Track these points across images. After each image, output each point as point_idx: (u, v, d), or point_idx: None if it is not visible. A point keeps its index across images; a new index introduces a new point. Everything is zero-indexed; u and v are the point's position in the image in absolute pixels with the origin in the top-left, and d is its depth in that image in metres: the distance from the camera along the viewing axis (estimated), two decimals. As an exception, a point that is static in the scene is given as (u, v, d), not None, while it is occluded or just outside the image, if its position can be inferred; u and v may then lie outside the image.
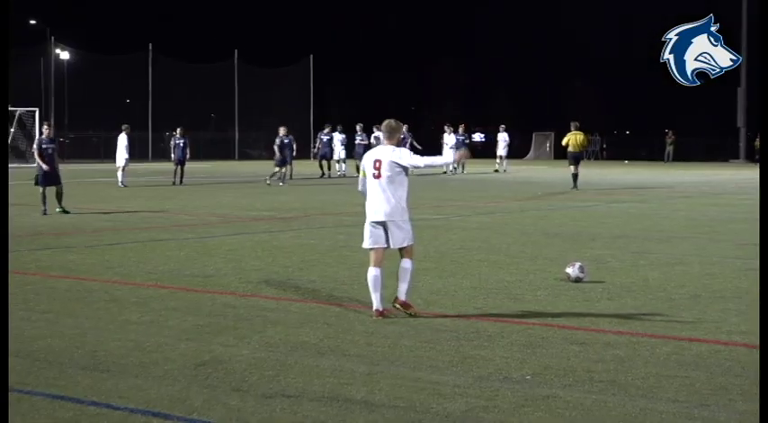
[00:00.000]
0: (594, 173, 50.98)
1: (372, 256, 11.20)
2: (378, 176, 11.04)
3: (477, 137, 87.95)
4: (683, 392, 7.95)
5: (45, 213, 23.85)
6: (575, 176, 35.81)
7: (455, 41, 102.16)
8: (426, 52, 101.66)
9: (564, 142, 37.71)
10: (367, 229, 11.29)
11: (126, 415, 7.26)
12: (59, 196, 24.75)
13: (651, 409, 7.48)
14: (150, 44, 71.62)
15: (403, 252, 11.12)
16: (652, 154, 76.68)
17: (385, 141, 11.28)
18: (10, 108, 63.70)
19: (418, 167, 11.16)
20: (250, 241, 18.41)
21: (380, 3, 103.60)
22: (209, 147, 74.60)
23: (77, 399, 7.62)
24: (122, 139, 38.69)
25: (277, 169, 38.77)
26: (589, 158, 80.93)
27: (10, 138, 54.13)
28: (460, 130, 51.80)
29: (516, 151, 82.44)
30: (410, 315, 10.86)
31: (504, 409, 7.45)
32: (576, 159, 36.67)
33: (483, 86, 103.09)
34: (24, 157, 59.90)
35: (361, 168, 11.54)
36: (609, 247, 17.73)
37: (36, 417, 7.20)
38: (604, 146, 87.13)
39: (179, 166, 39.31)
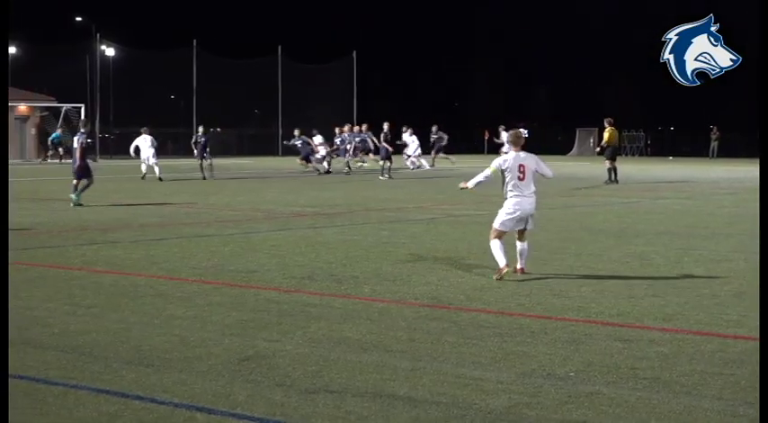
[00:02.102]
0: (638, 169, 50.79)
1: (499, 233, 13.38)
2: (522, 179, 13.35)
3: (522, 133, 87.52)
4: (728, 390, 7.90)
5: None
6: (613, 170, 36.51)
7: (498, 37, 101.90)
8: (469, 48, 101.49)
9: (606, 139, 38.15)
10: (506, 215, 13.41)
11: (170, 409, 7.30)
12: (84, 188, 25.55)
13: (695, 407, 7.43)
14: (194, 40, 71.95)
15: (522, 234, 13.55)
16: (697, 150, 76.20)
17: (513, 148, 13.63)
18: (57, 104, 64.34)
19: (549, 178, 13.93)
20: (293, 237, 18.46)
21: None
22: (253, 142, 74.92)
23: (122, 393, 7.68)
24: (145, 140, 39.61)
25: (382, 162, 41.10)
26: (633, 154, 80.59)
27: (58, 133, 54.57)
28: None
29: (560, 147, 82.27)
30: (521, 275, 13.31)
31: (547, 406, 7.44)
32: (614, 154, 37.55)
33: (525, 83, 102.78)
34: (71, 152, 60.46)
35: (494, 167, 13.57)
36: (653, 243, 17.64)
37: (81, 410, 7.25)
38: (648, 142, 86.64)
39: (203, 162, 41.12)
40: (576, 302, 11.59)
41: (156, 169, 38.53)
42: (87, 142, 26.44)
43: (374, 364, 8.59)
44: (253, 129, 79.62)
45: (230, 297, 11.88)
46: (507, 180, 13.53)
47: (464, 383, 8.01)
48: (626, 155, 76.70)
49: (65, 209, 24.09)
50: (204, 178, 39.59)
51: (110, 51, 74.36)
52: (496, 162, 13.75)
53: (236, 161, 60.45)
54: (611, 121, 38.63)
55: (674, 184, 37.88)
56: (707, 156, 71.39)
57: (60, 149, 59.66)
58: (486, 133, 75.90)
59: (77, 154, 26.23)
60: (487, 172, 13.62)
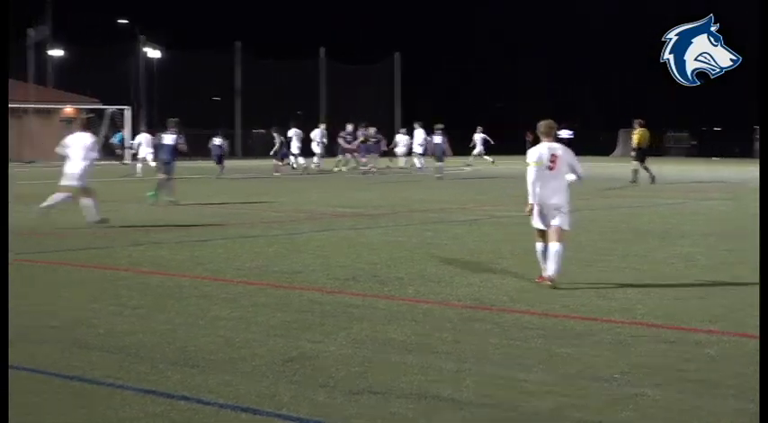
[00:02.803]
0: (683, 170, 50.47)
1: (539, 234, 13.01)
2: (552, 169, 12.92)
3: (565, 133, 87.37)
4: (776, 393, 7.83)
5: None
6: (644, 171, 36.70)
7: (541, 37, 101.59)
8: (513, 49, 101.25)
9: (636, 141, 38.24)
10: (537, 211, 13.02)
11: (216, 410, 7.33)
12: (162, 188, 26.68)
13: (743, 410, 7.38)
14: (238, 42, 72.21)
15: (555, 235, 12.80)
16: (745, 151, 75.57)
17: (545, 138, 13.19)
18: (102, 106, 64.79)
19: (579, 176, 13.28)
20: (337, 238, 18.49)
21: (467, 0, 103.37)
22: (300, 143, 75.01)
23: (168, 393, 7.72)
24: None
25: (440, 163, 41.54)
26: (678, 155, 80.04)
27: (102, 135, 54.91)
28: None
29: (602, 148, 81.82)
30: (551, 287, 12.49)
31: (592, 408, 7.41)
32: (644, 155, 37.70)
33: (568, 83, 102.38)
34: (115, 153, 60.88)
35: (531, 161, 13.08)
36: (698, 244, 17.53)
37: (128, 411, 7.30)
38: (693, 142, 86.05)
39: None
40: (621, 304, 11.54)
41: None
42: (179, 143, 27.55)
43: (418, 366, 8.59)
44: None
45: (275, 298, 11.92)
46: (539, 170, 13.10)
47: (509, 385, 7.99)
48: (670, 156, 76.19)
49: (109, 210, 24.22)
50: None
51: (153, 53, 74.78)
52: (531, 155, 13.19)
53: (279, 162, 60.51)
54: (642, 122, 38.48)
55: (719, 184, 37.62)
56: (753, 156, 70.81)
57: (124, 150, 59.99)
58: (529, 134, 75.66)
59: (168, 153, 27.26)
60: (531, 171, 13.04)
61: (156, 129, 55.30)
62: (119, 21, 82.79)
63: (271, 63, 73.68)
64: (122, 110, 62.96)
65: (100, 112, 64.50)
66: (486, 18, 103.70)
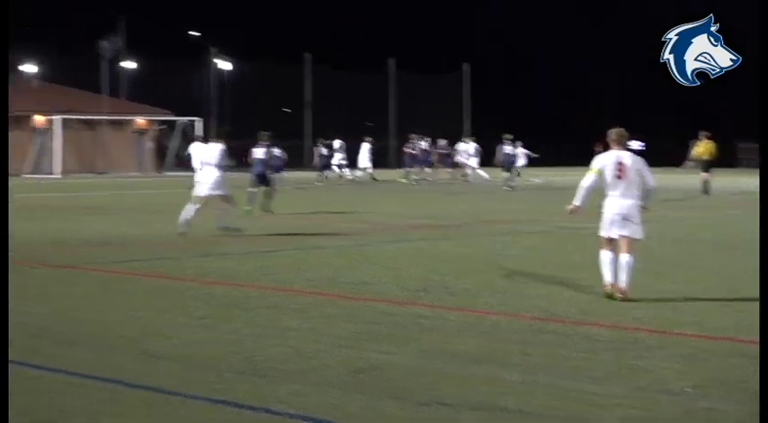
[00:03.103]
0: (754, 182, 49.75)
1: (606, 242, 12.99)
2: (621, 178, 12.80)
3: (636, 145, 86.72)
4: None
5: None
6: (705, 183, 36.74)
7: (611, 49, 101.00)
8: (583, 61, 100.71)
9: (697, 152, 38.19)
10: (606, 220, 13.01)
11: (285, 420, 7.34)
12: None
13: (817, 425, 7.25)
14: (308, 54, 72.59)
15: (626, 246, 12.76)
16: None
17: (615, 146, 13.02)
18: (174, 118, 65.41)
19: (650, 187, 12.99)
20: (407, 249, 18.49)
21: (538, 12, 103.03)
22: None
23: (236, 403, 7.75)
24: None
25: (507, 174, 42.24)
26: (749, 167, 79.06)
27: (175, 147, 55.39)
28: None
29: (671, 159, 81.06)
30: (621, 299, 12.39)
31: (663, 421, 7.33)
32: (708, 167, 37.69)
33: (638, 94, 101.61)
34: (186, 164, 61.42)
35: (594, 167, 13.02)
36: (772, 256, 17.28)
37: (197, 420, 7.34)
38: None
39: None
40: (693, 317, 11.41)
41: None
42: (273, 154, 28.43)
43: (487, 378, 8.55)
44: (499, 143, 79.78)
45: (344, 309, 11.93)
46: (606, 180, 13.05)
47: (578, 398, 7.93)
48: (743, 167, 75.31)
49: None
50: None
51: (224, 65, 75.41)
52: (595, 162, 13.17)
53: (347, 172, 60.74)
54: (708, 134, 38.53)
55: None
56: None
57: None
58: (598, 145, 75.11)
59: (260, 164, 27.71)
60: (589, 176, 13.04)
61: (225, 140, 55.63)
62: (190, 33, 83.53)
63: (340, 74, 73.99)
64: (193, 121, 63.53)
65: (172, 124, 65.15)
66: (554, 30, 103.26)
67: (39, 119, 60.97)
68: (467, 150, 51.49)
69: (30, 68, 69.64)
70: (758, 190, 39.09)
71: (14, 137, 60.02)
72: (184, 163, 57.48)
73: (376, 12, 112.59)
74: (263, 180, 27.55)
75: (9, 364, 8.67)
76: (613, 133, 13.18)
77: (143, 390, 8.12)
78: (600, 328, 10.76)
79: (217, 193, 21.04)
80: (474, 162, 50.65)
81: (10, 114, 59.67)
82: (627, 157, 12.91)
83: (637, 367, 8.93)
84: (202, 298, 12.70)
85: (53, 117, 59.60)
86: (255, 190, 27.36)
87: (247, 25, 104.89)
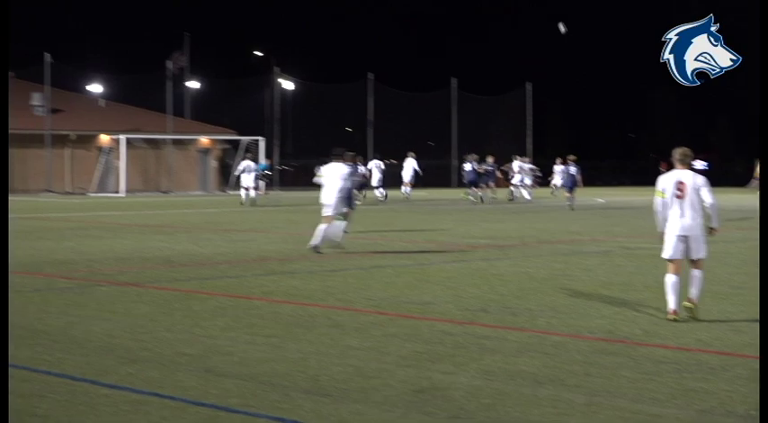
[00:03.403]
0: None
1: (671, 265, 12.80)
2: (681, 197, 12.70)
3: (700, 165, 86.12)
4: None
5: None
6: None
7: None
8: (644, 79, 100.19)
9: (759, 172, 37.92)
10: (667, 240, 12.84)
11: (347, 439, 7.38)
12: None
13: None
14: (370, 73, 72.85)
15: (695, 263, 12.76)
16: None
17: (679, 166, 12.92)
18: (238, 137, 65.87)
19: (712, 205, 12.79)
20: (467, 269, 18.50)
21: (598, 31, 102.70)
22: (427, 174, 75.29)
23: (300, 422, 7.80)
24: (246, 163, 42.28)
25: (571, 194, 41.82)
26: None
27: (239, 166, 55.85)
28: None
29: (737, 178, 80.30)
30: (691, 315, 12.46)
31: (727, 445, 7.28)
32: None
33: (701, 112, 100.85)
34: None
35: (658, 190, 12.93)
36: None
37: (261, 438, 7.40)
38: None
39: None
40: (757, 338, 11.30)
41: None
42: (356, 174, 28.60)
43: (549, 398, 8.54)
44: (427, 160, 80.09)
45: (405, 328, 11.97)
46: (667, 200, 12.85)
47: (641, 419, 7.90)
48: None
49: (245, 240, 24.63)
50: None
51: (288, 85, 75.85)
52: (659, 184, 13.03)
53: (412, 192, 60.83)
54: None
55: None
56: None
57: (267, 180, 61.07)
58: (663, 165, 74.58)
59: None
60: (657, 200, 12.91)
61: (285, 158, 56.17)
62: (255, 53, 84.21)
63: (403, 94, 74.14)
64: (257, 141, 63.93)
65: (235, 143, 65.62)
66: (617, 48, 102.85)
67: (104, 138, 61.70)
68: (521, 167, 51.51)
69: (95, 88, 70.52)
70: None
71: (80, 156, 60.93)
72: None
73: (438, 32, 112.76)
74: (347, 199, 27.59)
75: (75, 381, 8.82)
76: (677, 152, 13.08)
77: (207, 408, 8.21)
78: (664, 349, 10.71)
79: (341, 211, 21.90)
80: (517, 180, 50.72)
81: (77, 133, 60.57)
82: (687, 176, 12.80)
83: (700, 390, 8.87)
84: (268, 316, 12.79)
85: (118, 136, 60.29)
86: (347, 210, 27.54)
87: (310, 45, 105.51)
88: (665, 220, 12.87)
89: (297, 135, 75.45)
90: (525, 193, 49.76)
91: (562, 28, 49.03)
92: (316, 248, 21.06)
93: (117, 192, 58.71)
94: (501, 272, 17.95)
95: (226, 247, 22.46)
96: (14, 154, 58.60)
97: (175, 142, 64.20)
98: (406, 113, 73.52)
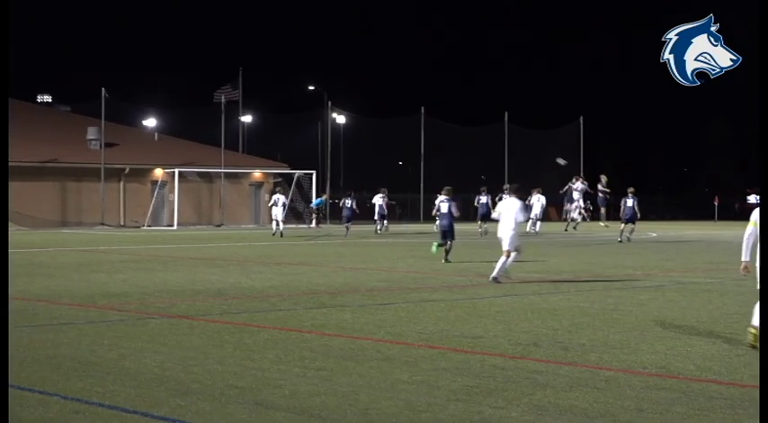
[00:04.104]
0: None
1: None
2: None
3: (753, 198, 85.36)
4: None
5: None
6: None
7: (726, 101, 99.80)
8: (698, 112, 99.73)
9: None
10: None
11: (396, 473, 7.36)
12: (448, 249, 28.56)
13: None
14: (422, 107, 73.01)
15: None
16: None
17: None
18: (290, 171, 66.21)
19: None
20: (519, 303, 18.42)
21: (650, 64, 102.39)
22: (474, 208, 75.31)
23: (350, 455, 7.79)
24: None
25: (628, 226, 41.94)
26: None
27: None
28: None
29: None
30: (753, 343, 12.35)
31: (782, 482, 7.17)
32: None
33: (757, 144, 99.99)
34: (302, 217, 62.12)
35: (753, 220, 12.80)
36: None
37: (310, 472, 7.39)
38: None
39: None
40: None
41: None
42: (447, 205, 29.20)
43: (601, 434, 8.46)
44: (476, 195, 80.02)
45: (456, 362, 11.92)
46: (757, 231, 12.74)
47: (694, 456, 7.81)
48: None
49: (296, 273, 24.70)
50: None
51: (340, 119, 76.19)
52: (754, 214, 12.97)
53: (460, 226, 60.71)
54: None
55: None
56: None
57: (321, 214, 61.51)
58: (717, 199, 74.01)
59: (447, 219, 28.96)
60: (749, 228, 12.89)
61: (337, 192, 56.54)
62: (308, 87, 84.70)
63: (455, 128, 74.22)
64: (310, 174, 64.22)
65: (288, 177, 65.94)
66: (670, 81, 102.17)
67: (158, 172, 62.24)
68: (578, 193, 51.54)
69: (150, 122, 71.23)
70: None
71: (134, 189, 61.46)
72: (300, 216, 58.09)
73: (490, 66, 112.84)
74: (448, 233, 28.86)
75: (127, 413, 8.87)
76: None
77: (257, 440, 8.21)
78: (717, 384, 10.59)
79: (515, 244, 22.56)
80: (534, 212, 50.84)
81: (131, 167, 61.15)
82: None
83: (754, 426, 8.77)
84: (318, 349, 12.79)
85: (172, 170, 60.81)
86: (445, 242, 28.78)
87: (363, 79, 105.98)
88: (748, 248, 12.85)
89: (348, 169, 75.69)
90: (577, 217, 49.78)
91: (561, 161, 50.24)
92: (496, 280, 22.04)
93: (170, 225, 59.15)
94: (553, 306, 17.86)
95: (277, 280, 22.52)
96: (70, 187, 59.38)
97: (228, 176, 64.62)
98: (458, 147, 73.59)
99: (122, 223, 59.91)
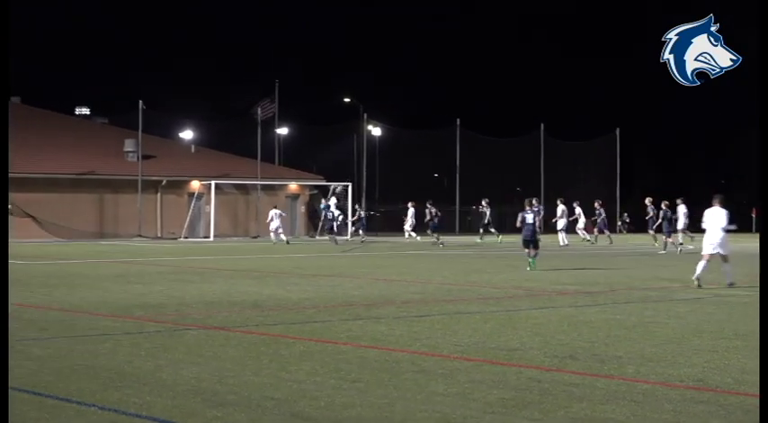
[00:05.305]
0: None
1: None
2: None
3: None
4: None
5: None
6: None
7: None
8: (735, 123, 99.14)
9: None
10: None
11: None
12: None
13: None
14: (458, 119, 72.97)
15: None
16: None
17: None
18: (326, 182, 66.30)
19: None
20: (555, 315, 18.35)
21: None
22: (514, 220, 75.17)
23: (385, 467, 7.78)
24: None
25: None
26: None
27: (333, 211, 56.55)
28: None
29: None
30: None
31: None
32: None
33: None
34: (338, 230, 62.15)
35: None
36: None
37: (346, 483, 7.39)
38: None
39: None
40: None
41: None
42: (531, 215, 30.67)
43: (638, 447, 8.42)
44: (515, 206, 79.91)
45: (492, 375, 11.90)
46: None
47: (732, 470, 7.75)
48: None
49: (331, 285, 24.72)
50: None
51: (376, 131, 76.27)
52: None
53: (495, 239, 60.68)
54: None
55: None
56: None
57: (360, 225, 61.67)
58: (755, 211, 73.48)
59: (530, 231, 30.46)
60: None
61: (372, 204, 56.54)
62: (343, 99, 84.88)
63: (491, 140, 74.12)
64: (346, 186, 64.29)
65: (324, 189, 66.04)
66: (707, 93, 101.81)
67: (194, 184, 62.50)
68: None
69: (187, 135, 71.58)
70: None
71: (171, 201, 61.77)
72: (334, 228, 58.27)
73: (525, 78, 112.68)
74: (531, 242, 30.21)
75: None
76: None
77: (293, 452, 8.22)
78: (754, 398, 10.49)
79: (718, 251, 24.31)
80: (561, 224, 50.77)
81: (168, 179, 61.46)
82: None
83: (793, 440, 8.69)
84: (354, 361, 12.79)
85: (208, 182, 61.06)
86: (528, 251, 30.23)
87: (399, 91, 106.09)
88: None
89: (384, 181, 75.71)
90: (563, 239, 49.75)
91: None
92: (731, 285, 24.06)
93: (206, 236, 59.35)
94: (590, 318, 17.79)
95: (312, 292, 22.55)
96: (107, 199, 59.73)
97: (264, 188, 64.81)
98: (493, 159, 73.46)
99: (159, 235, 60.18)
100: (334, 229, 53.86)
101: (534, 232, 30.47)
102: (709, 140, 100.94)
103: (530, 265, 29.94)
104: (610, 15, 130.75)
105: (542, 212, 49.05)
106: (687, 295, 22.46)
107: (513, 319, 17.78)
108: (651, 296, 22.27)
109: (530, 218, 30.49)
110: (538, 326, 16.56)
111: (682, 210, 48.95)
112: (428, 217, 52.03)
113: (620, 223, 59.54)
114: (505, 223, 63.32)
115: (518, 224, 30.89)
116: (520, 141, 75.71)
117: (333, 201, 57.03)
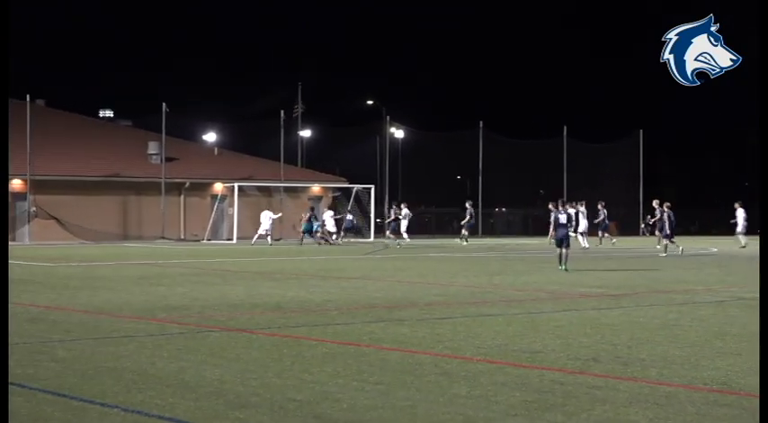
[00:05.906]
0: None
1: None
2: None
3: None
4: None
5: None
6: None
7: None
8: (751, 126, 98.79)
9: None
10: None
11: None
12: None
13: None
14: (481, 122, 72.91)
15: None
16: None
17: None
18: (348, 185, 66.33)
19: None
20: (578, 318, 18.32)
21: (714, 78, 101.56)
22: (537, 223, 75.01)
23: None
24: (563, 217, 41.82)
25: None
26: None
27: (348, 214, 56.78)
28: None
29: None
30: None
31: None
32: None
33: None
34: (361, 232, 62.16)
35: None
36: None
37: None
38: None
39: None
40: None
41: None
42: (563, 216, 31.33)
43: (661, 450, 8.39)
44: (537, 209, 79.81)
45: (514, 377, 11.88)
46: None
47: (756, 473, 7.73)
48: None
49: (354, 287, 24.74)
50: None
51: (398, 133, 76.27)
52: None
53: (519, 241, 60.59)
54: None
55: None
56: None
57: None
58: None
59: (563, 228, 31.38)
60: None
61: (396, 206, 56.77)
62: (366, 102, 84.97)
63: (514, 142, 74.04)
64: (369, 189, 64.30)
65: (346, 191, 66.09)
66: (730, 93, 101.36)
67: (218, 186, 62.64)
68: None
69: (210, 137, 71.77)
70: None
71: (194, 203, 61.93)
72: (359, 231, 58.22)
73: (548, 80, 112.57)
74: (564, 242, 30.98)
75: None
76: None
77: (315, 453, 8.22)
78: (779, 401, 10.46)
79: None
80: (582, 226, 50.65)
81: (191, 181, 61.64)
82: None
83: (818, 443, 8.65)
84: (376, 363, 12.79)
85: (231, 184, 61.19)
86: (561, 250, 30.88)
87: (421, 93, 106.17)
88: None
89: (406, 183, 75.72)
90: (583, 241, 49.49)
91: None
92: None
93: (230, 238, 59.46)
94: (612, 321, 17.74)
95: (335, 294, 22.57)
96: (130, 201, 59.93)
97: (287, 190, 64.89)
98: (516, 161, 73.38)
99: (182, 237, 60.33)
100: (329, 240, 54.63)
101: (567, 232, 31.33)
102: (732, 142, 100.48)
103: (563, 265, 30.64)
104: (609, 15, 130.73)
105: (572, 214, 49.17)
106: (710, 298, 22.38)
107: (536, 321, 17.76)
108: (674, 299, 22.20)
109: (563, 218, 31.15)
110: (560, 328, 16.53)
111: (741, 214, 48.60)
112: (467, 217, 52.81)
113: (642, 226, 59.24)
114: (529, 225, 63.31)
115: (552, 227, 31.39)
116: (542, 143, 75.59)
117: (329, 213, 57.11)
